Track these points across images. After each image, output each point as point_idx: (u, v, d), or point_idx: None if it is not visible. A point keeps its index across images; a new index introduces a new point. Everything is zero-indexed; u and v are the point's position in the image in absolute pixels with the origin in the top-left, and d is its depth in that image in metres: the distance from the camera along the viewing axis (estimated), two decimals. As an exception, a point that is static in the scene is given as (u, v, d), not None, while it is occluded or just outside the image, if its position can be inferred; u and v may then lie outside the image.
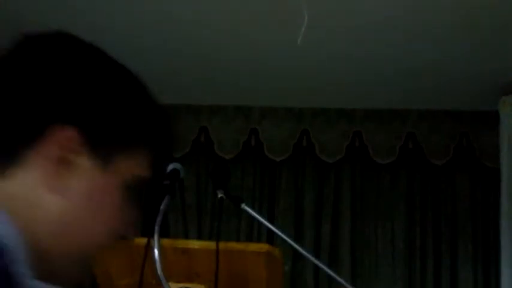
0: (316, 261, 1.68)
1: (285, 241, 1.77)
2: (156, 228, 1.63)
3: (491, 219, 3.93)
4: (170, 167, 1.90)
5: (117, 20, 3.27)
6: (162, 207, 1.72)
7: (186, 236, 4.08)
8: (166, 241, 1.66)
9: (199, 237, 4.10)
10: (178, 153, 4.23)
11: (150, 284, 1.66)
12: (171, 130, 0.94)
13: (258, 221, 1.90)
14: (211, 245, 1.63)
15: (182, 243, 1.71)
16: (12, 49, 0.84)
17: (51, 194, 0.76)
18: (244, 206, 1.86)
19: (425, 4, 2.97)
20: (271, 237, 3.86)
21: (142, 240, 1.66)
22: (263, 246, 1.65)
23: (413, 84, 3.86)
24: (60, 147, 0.76)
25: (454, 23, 3.12)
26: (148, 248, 1.63)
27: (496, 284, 3.84)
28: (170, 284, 1.58)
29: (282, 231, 1.80)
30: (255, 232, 4.11)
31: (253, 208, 1.88)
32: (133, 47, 3.56)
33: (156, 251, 1.59)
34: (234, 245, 1.66)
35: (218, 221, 4.14)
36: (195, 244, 1.69)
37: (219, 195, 1.88)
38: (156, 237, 1.61)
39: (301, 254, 1.77)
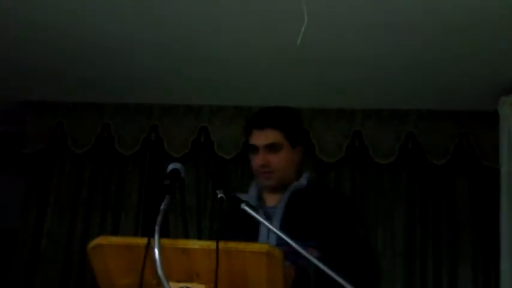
0: (316, 261, 1.67)
1: (285, 241, 1.77)
2: (156, 228, 1.63)
3: (491, 219, 3.93)
4: (170, 167, 1.90)
5: (117, 21, 3.27)
6: (162, 207, 1.72)
7: (186, 236, 4.08)
8: (166, 241, 1.66)
9: (199, 237, 4.11)
10: (178, 153, 4.24)
11: (150, 284, 1.65)
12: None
13: (258, 221, 1.91)
14: (211, 245, 1.63)
15: (182, 243, 1.70)
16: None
17: None
18: (244, 206, 1.86)
19: (425, 4, 2.97)
20: (271, 237, 3.86)
21: (143, 240, 1.66)
22: (263, 246, 1.65)
23: (413, 84, 3.86)
24: None
25: (454, 23, 3.12)
26: (149, 248, 1.63)
27: (495, 284, 3.84)
28: (170, 284, 1.58)
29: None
30: (255, 232, 4.10)
31: (253, 208, 1.88)
32: (134, 48, 3.56)
33: (156, 251, 1.59)
34: (234, 245, 1.66)
35: (218, 221, 4.14)
36: (195, 244, 1.68)
37: (219, 195, 1.88)
38: (156, 237, 1.61)
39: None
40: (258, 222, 2.12)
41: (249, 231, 2.13)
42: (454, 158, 4.15)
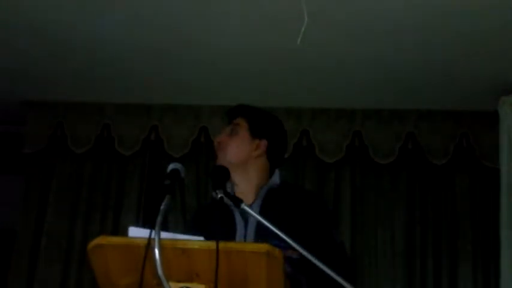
0: (316, 261, 1.68)
1: (285, 241, 1.77)
2: (157, 228, 1.63)
3: (490, 219, 3.93)
4: (170, 167, 1.90)
5: (117, 21, 3.27)
6: (162, 207, 1.72)
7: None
8: (166, 241, 1.66)
9: (199, 237, 4.10)
10: (178, 153, 4.24)
11: (150, 284, 1.65)
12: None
13: (235, 221, 1.91)
14: (211, 245, 1.63)
15: (182, 243, 1.70)
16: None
17: None
18: (244, 206, 1.86)
19: (425, 5, 2.97)
20: (271, 237, 3.86)
21: (143, 240, 1.66)
22: (263, 246, 1.64)
23: (413, 84, 3.86)
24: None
25: (454, 23, 3.13)
26: (149, 248, 1.63)
27: (495, 284, 3.84)
28: (170, 284, 1.58)
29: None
30: (255, 232, 4.10)
31: (253, 208, 1.89)
32: (135, 48, 3.57)
33: (156, 251, 1.59)
34: (233, 245, 1.66)
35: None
36: (195, 244, 1.68)
37: (219, 195, 1.88)
38: (156, 237, 1.62)
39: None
40: (234, 222, 2.15)
41: (227, 230, 2.12)
42: (454, 158, 4.15)
